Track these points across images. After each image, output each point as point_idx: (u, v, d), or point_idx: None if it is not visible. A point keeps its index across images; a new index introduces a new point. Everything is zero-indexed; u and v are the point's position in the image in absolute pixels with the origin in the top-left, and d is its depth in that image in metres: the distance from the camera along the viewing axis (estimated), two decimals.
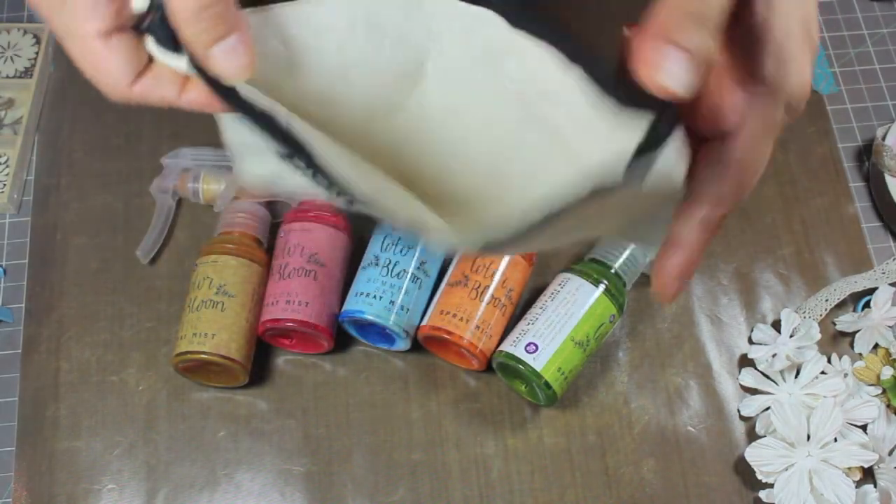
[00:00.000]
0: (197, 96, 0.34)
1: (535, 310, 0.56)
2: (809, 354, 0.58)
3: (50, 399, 0.58)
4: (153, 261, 0.62)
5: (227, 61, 0.30)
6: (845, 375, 0.58)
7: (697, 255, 0.34)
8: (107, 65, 0.32)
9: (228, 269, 0.57)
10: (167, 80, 0.34)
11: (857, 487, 0.55)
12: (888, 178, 0.64)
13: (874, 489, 0.55)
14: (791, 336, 0.59)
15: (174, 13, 0.30)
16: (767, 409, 0.57)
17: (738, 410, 0.59)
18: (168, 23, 0.30)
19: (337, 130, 0.33)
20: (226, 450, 0.57)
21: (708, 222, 0.33)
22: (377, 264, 0.57)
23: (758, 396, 0.58)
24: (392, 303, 0.55)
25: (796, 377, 0.58)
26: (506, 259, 0.57)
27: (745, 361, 0.60)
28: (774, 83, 0.30)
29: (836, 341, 0.61)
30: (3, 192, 0.64)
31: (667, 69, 0.27)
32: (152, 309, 0.61)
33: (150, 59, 0.33)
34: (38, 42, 0.70)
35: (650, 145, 0.27)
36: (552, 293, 0.56)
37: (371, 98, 0.34)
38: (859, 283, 0.61)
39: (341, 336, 0.59)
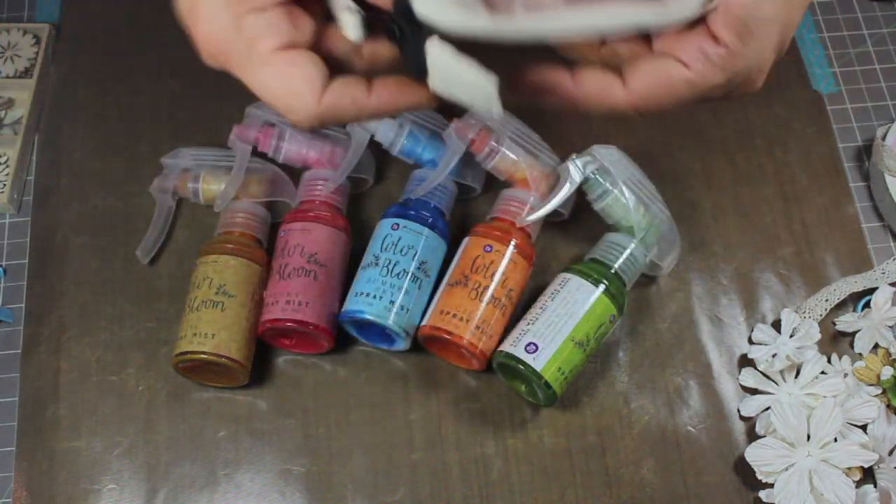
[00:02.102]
0: (387, 92, 0.33)
1: (535, 310, 0.56)
2: (809, 354, 0.58)
3: (50, 399, 0.58)
4: (153, 261, 0.62)
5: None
6: (845, 375, 0.58)
7: None
8: (292, 79, 0.32)
9: (228, 269, 0.57)
10: (354, 83, 0.33)
11: (857, 487, 0.55)
12: (888, 178, 0.64)
13: (874, 489, 0.55)
14: (791, 336, 0.59)
15: None
16: (767, 409, 0.57)
17: (738, 410, 0.59)
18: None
19: None
20: (226, 450, 0.57)
21: None
22: (377, 264, 0.57)
23: (758, 396, 0.58)
24: (392, 303, 0.55)
25: (796, 377, 0.58)
26: (505, 259, 0.57)
27: (745, 361, 0.60)
28: (733, 51, 0.34)
29: (836, 341, 0.61)
30: (3, 192, 0.64)
31: None
32: (152, 309, 0.61)
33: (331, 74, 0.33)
34: (38, 42, 0.70)
35: None
36: (552, 293, 0.56)
37: None
38: (859, 283, 0.61)
39: (341, 336, 0.59)
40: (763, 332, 0.60)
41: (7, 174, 0.65)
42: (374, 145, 0.61)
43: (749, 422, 0.59)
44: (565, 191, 0.56)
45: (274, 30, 0.31)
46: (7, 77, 0.68)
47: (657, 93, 0.35)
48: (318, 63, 0.33)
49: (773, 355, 0.58)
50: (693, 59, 0.34)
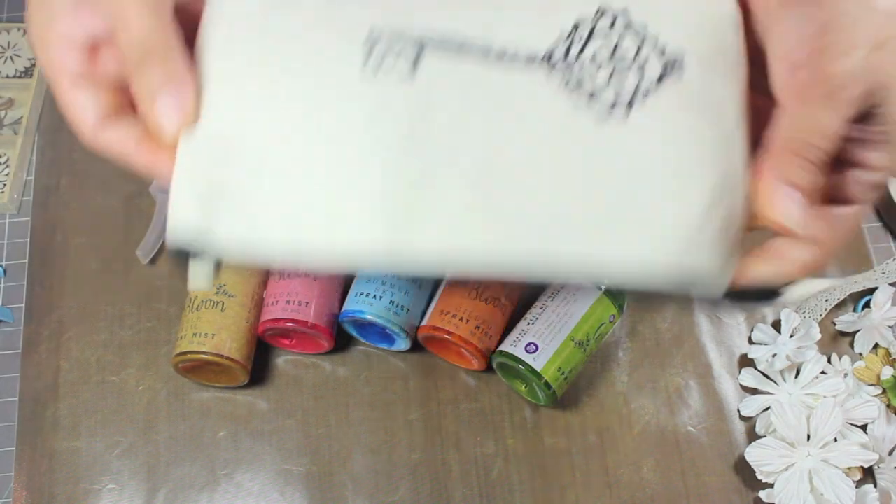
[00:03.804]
0: (149, 157, 0.33)
1: (535, 310, 0.56)
2: (809, 354, 0.58)
3: (50, 399, 0.58)
4: (153, 261, 0.62)
5: (165, 112, 0.31)
6: (845, 375, 0.58)
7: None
8: (71, 109, 0.33)
9: (228, 269, 0.57)
10: (129, 134, 0.34)
11: (857, 487, 0.55)
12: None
13: (874, 489, 0.55)
14: (791, 336, 0.59)
15: (125, 60, 0.31)
16: (767, 409, 0.57)
17: (738, 410, 0.59)
18: None
19: None
20: (226, 450, 0.57)
21: None
22: None
23: (758, 396, 0.58)
24: (392, 303, 0.55)
25: (796, 377, 0.58)
26: None
27: (745, 361, 0.60)
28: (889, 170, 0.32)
29: (836, 341, 0.61)
30: (3, 192, 0.64)
31: (781, 206, 0.31)
32: (152, 309, 0.61)
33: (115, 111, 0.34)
34: None
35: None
36: (552, 293, 0.56)
37: None
38: (859, 283, 0.61)
39: (341, 336, 0.59)
40: (763, 332, 0.60)
41: (7, 174, 0.65)
42: None
43: (749, 422, 0.59)
44: None
45: (69, 58, 0.32)
46: (7, 77, 0.68)
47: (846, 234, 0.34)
48: (99, 100, 0.33)
49: (773, 355, 0.58)
50: (859, 194, 0.33)
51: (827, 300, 0.61)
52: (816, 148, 0.30)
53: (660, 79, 0.32)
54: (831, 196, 0.33)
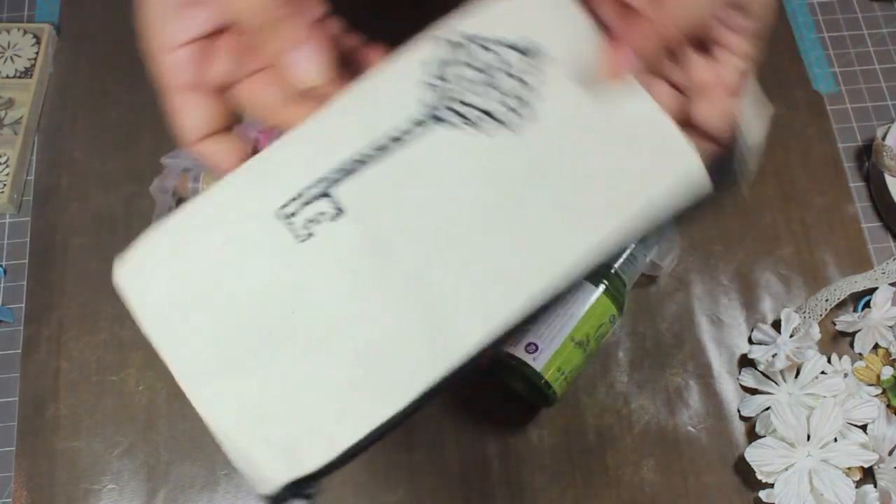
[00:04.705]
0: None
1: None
2: (809, 354, 0.58)
3: (50, 399, 0.58)
4: None
5: (300, 65, 0.32)
6: (845, 375, 0.58)
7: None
8: (181, 117, 0.35)
9: None
10: (225, 148, 0.35)
11: (857, 487, 0.55)
12: (888, 178, 0.64)
13: (874, 489, 0.55)
14: (791, 336, 0.59)
15: (248, 30, 0.32)
16: (767, 409, 0.57)
17: (738, 410, 0.59)
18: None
19: None
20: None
21: None
22: None
23: (758, 396, 0.58)
24: None
25: (796, 377, 0.58)
26: None
27: (745, 361, 0.60)
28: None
29: (836, 341, 0.61)
30: (3, 192, 0.64)
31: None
32: None
33: (225, 128, 0.35)
34: (38, 42, 0.70)
35: None
36: None
37: None
38: (859, 283, 0.61)
39: None
40: (763, 332, 0.60)
41: (7, 174, 0.65)
42: None
43: (749, 422, 0.59)
44: None
45: (178, 69, 0.34)
46: (7, 77, 0.68)
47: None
48: (208, 112, 0.35)
49: (773, 355, 0.58)
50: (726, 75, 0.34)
51: (827, 300, 0.61)
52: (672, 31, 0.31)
53: (526, 66, 0.32)
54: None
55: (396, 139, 0.32)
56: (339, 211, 0.32)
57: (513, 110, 0.32)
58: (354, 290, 0.32)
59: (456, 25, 0.33)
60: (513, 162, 0.32)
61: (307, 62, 0.32)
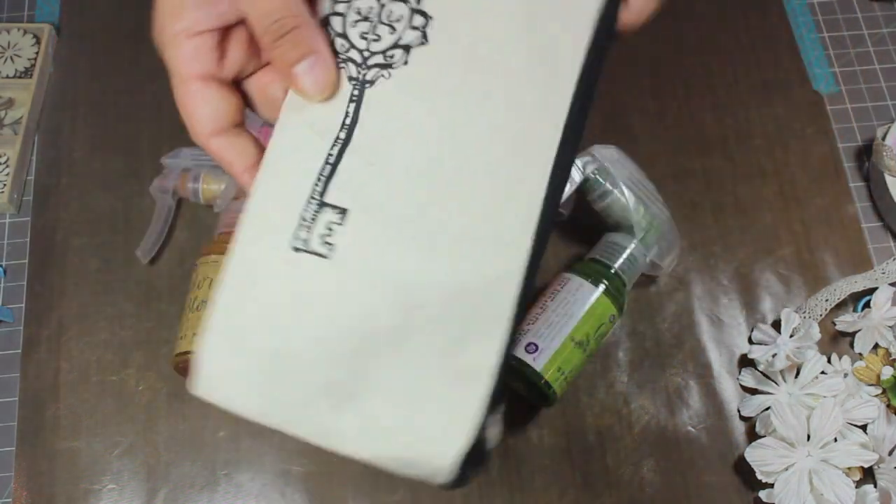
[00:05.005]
0: (248, 178, 0.35)
1: (535, 310, 0.56)
2: (809, 354, 0.58)
3: (50, 399, 0.58)
4: (153, 261, 0.62)
5: (306, 80, 0.33)
6: (845, 375, 0.58)
7: None
8: (195, 110, 0.34)
9: None
10: (242, 146, 0.35)
11: (857, 487, 0.55)
12: (888, 178, 0.64)
13: (874, 489, 0.55)
14: (791, 336, 0.59)
15: (258, 37, 0.33)
16: (767, 409, 0.57)
17: (738, 410, 0.59)
18: None
19: None
20: (226, 450, 0.57)
21: None
22: None
23: (758, 396, 0.58)
24: None
25: (796, 377, 0.58)
26: None
27: (745, 361, 0.60)
28: None
29: (836, 341, 0.61)
30: (3, 192, 0.64)
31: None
32: (152, 309, 0.61)
33: (237, 124, 0.35)
34: (38, 42, 0.70)
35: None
36: (552, 293, 0.56)
37: None
38: (859, 283, 0.61)
39: None
40: (763, 332, 0.60)
41: (7, 174, 0.65)
42: None
43: (749, 422, 0.59)
44: (567, 191, 0.56)
45: (196, 58, 0.34)
46: (7, 77, 0.68)
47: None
48: (224, 104, 0.35)
49: (773, 355, 0.58)
50: None
51: (827, 300, 0.61)
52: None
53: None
54: None
55: (349, 125, 0.33)
56: (343, 211, 0.32)
57: (415, 28, 0.33)
58: (402, 271, 0.32)
59: None
60: (444, 78, 0.33)
61: (314, 76, 0.33)
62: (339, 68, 0.33)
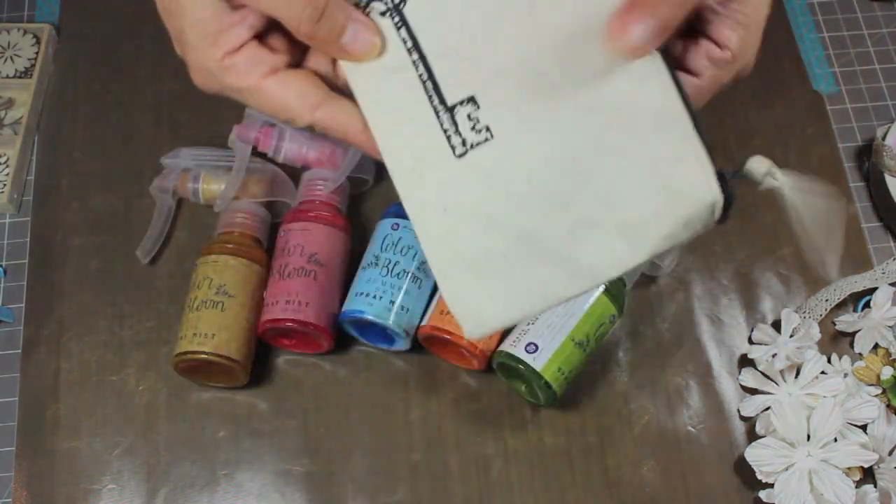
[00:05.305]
0: (366, 139, 0.36)
1: None
2: (809, 354, 0.58)
3: (50, 399, 0.58)
4: (153, 261, 0.62)
5: (356, 45, 0.34)
6: (845, 375, 0.58)
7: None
8: (285, 99, 0.35)
9: (228, 269, 0.57)
10: (346, 111, 0.36)
11: (857, 487, 0.54)
12: (888, 178, 0.64)
13: (874, 489, 0.55)
14: (791, 336, 0.59)
15: (294, 30, 0.34)
16: (767, 409, 0.57)
17: (738, 410, 0.59)
18: None
19: None
20: (226, 450, 0.57)
21: None
22: (377, 264, 0.57)
23: (758, 396, 0.58)
24: (392, 303, 0.55)
25: (796, 377, 0.58)
26: None
27: (745, 361, 0.60)
28: (737, 53, 0.36)
29: (836, 341, 0.61)
30: (3, 192, 0.64)
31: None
32: (152, 309, 0.61)
33: (327, 93, 0.36)
34: (38, 42, 0.70)
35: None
36: None
37: None
38: (859, 283, 0.61)
39: (341, 336, 0.59)
40: (763, 332, 0.60)
41: (7, 174, 0.65)
42: None
43: (749, 422, 0.59)
44: None
45: (253, 64, 0.35)
46: (7, 77, 0.68)
47: None
48: (309, 78, 0.36)
49: (773, 355, 0.58)
50: (703, 68, 0.37)
51: (827, 300, 0.61)
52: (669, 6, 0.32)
53: None
54: (678, 63, 0.36)
55: (413, 44, 0.35)
56: (471, 98, 0.34)
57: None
58: (555, 108, 0.34)
59: None
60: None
61: (362, 41, 0.34)
62: (372, 19, 0.34)
